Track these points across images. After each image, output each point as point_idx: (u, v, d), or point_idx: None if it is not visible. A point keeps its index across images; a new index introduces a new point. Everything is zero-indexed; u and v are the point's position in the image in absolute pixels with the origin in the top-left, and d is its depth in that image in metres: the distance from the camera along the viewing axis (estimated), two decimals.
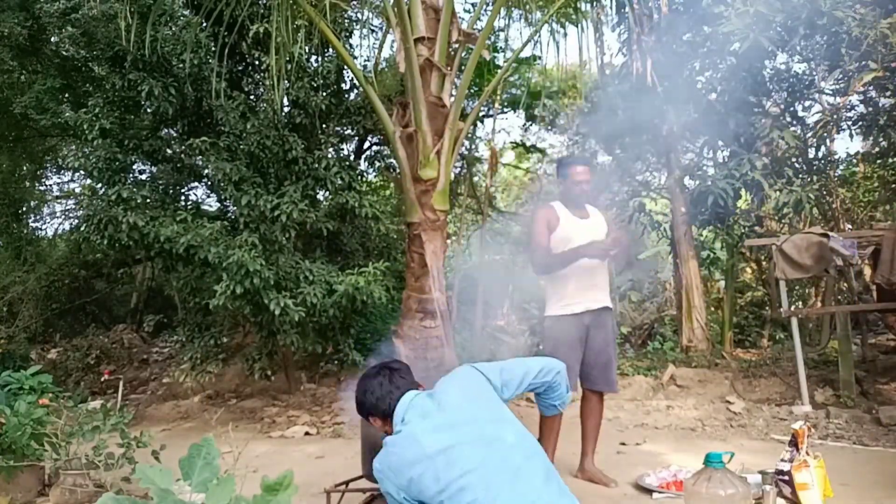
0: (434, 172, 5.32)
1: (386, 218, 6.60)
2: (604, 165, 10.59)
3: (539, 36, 6.87)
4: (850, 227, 8.20)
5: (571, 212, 3.90)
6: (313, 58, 6.86)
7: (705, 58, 7.84)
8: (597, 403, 3.98)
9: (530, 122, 11.67)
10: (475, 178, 11.01)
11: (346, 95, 7.14)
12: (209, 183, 6.93)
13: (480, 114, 9.64)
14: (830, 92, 7.84)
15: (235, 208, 6.22)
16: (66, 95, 8.41)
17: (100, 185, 6.47)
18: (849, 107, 7.57)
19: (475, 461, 2.01)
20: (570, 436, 4.08)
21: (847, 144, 42.52)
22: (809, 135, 7.57)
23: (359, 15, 7.39)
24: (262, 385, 7.23)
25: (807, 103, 8.14)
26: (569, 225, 3.86)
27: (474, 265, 11.28)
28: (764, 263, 8.54)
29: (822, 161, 8.08)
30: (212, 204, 7.69)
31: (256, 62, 7.13)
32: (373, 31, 8.14)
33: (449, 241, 6.56)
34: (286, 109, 6.70)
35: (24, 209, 11.04)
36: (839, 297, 7.28)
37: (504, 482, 1.98)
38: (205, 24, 6.42)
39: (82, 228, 6.26)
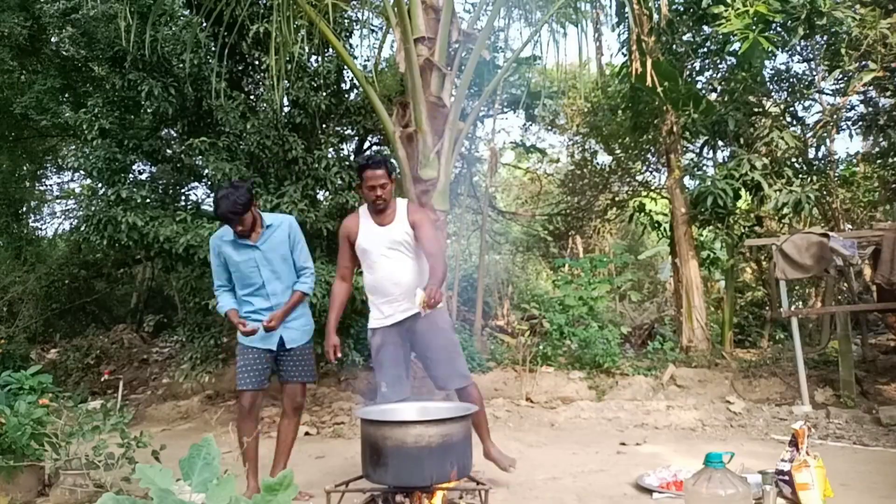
0: (434, 172, 5.32)
1: None
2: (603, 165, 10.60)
3: (539, 36, 6.88)
4: (850, 227, 8.21)
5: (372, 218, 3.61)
6: (313, 58, 6.86)
7: (705, 58, 7.85)
8: (463, 398, 3.63)
9: (530, 122, 11.67)
10: (475, 178, 11.01)
11: (346, 95, 7.14)
12: (209, 183, 6.93)
13: (480, 114, 9.64)
14: (830, 92, 7.85)
15: None
16: (66, 95, 8.41)
17: (100, 185, 6.47)
18: (849, 107, 7.57)
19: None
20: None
21: (847, 144, 42.61)
22: (809, 135, 7.57)
23: (359, 15, 7.40)
24: None
25: (807, 103, 8.15)
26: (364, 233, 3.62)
27: (474, 265, 11.28)
28: (764, 263, 8.54)
29: (822, 161, 8.08)
30: (211, 204, 7.69)
31: (256, 62, 7.13)
32: (373, 31, 8.14)
33: (449, 241, 6.58)
34: (286, 109, 6.70)
35: (24, 209, 11.06)
36: (839, 297, 7.28)
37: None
38: (205, 24, 6.42)
39: (82, 228, 6.26)
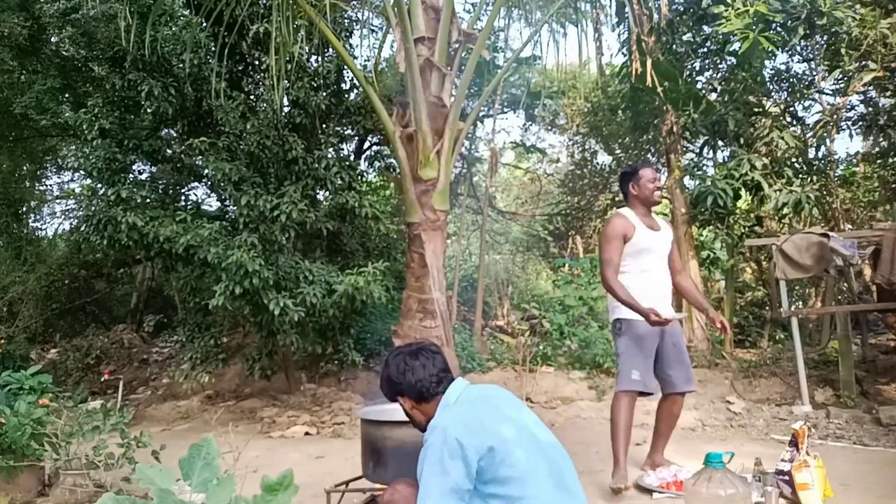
0: (434, 172, 5.32)
1: (386, 218, 6.60)
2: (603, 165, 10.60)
3: (539, 36, 6.89)
4: (850, 227, 8.20)
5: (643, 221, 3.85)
6: (313, 58, 6.86)
7: (705, 58, 7.85)
8: (678, 403, 3.98)
9: (530, 122, 11.67)
10: (475, 178, 11.01)
11: (346, 95, 7.14)
12: (209, 183, 6.92)
13: (480, 114, 9.64)
14: (830, 92, 7.85)
15: (235, 208, 6.21)
16: (66, 95, 8.41)
17: (100, 185, 6.47)
18: (849, 107, 7.57)
19: (527, 458, 2.04)
20: None
21: (847, 144, 42.61)
22: (809, 135, 7.57)
23: (359, 15, 7.40)
24: (261, 385, 7.23)
25: (807, 103, 8.15)
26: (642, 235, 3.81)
27: (474, 265, 11.28)
28: (764, 263, 8.54)
29: (822, 161, 8.08)
30: (212, 204, 7.70)
31: (256, 62, 7.13)
32: (373, 31, 8.15)
33: (449, 241, 6.58)
34: (286, 109, 6.70)
35: (24, 209, 11.05)
36: (839, 297, 7.27)
37: (550, 481, 2.06)
38: (205, 24, 6.42)
39: (82, 228, 6.26)
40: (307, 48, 6.49)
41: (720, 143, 7.92)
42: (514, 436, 2.06)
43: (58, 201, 12.13)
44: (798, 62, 8.15)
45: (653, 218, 3.91)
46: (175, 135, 7.36)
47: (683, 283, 4.05)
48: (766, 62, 7.37)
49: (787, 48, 7.31)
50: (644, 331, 3.69)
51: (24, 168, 10.90)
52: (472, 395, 2.26)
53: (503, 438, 2.02)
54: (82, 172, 7.97)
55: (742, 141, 7.41)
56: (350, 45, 7.42)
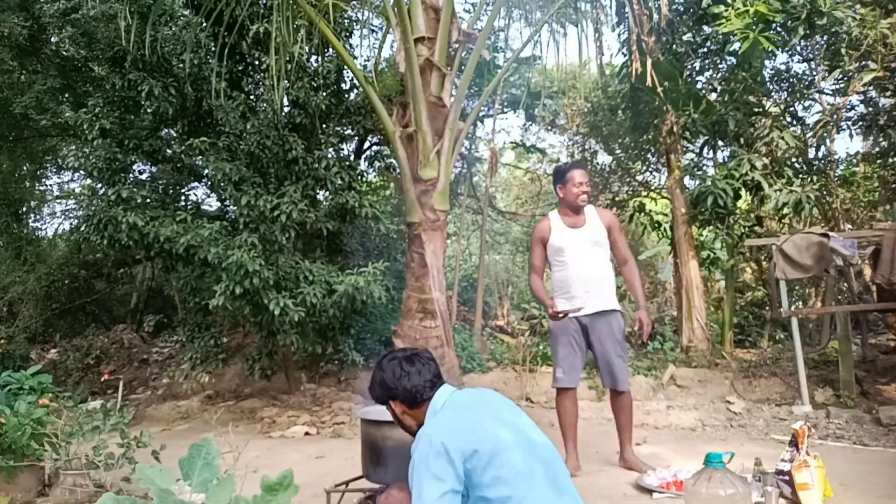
0: (434, 172, 5.32)
1: (386, 218, 6.60)
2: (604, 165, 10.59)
3: (539, 36, 6.89)
4: (850, 227, 8.20)
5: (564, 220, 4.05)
6: (313, 58, 6.86)
7: (705, 58, 7.85)
8: (623, 399, 4.08)
9: (530, 122, 11.67)
10: (475, 178, 11.01)
11: (346, 95, 7.14)
12: (209, 183, 6.93)
13: (480, 114, 9.64)
14: (830, 92, 7.85)
15: (235, 208, 6.21)
16: (66, 95, 8.41)
17: (100, 185, 6.47)
18: (849, 107, 7.56)
19: (523, 460, 2.03)
20: None
21: (847, 144, 42.60)
22: (809, 135, 7.56)
23: (359, 15, 7.40)
24: (262, 385, 7.23)
25: (807, 103, 8.14)
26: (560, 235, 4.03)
27: (474, 265, 11.28)
28: (764, 263, 8.54)
29: (822, 161, 8.08)
30: (212, 204, 7.69)
31: (256, 62, 7.13)
32: (373, 31, 8.15)
33: (449, 241, 6.58)
34: (286, 109, 6.70)
35: (24, 209, 11.05)
36: (839, 297, 7.27)
37: (547, 483, 2.06)
38: (205, 24, 6.42)
39: (82, 228, 6.26)
40: (307, 48, 6.49)
41: (720, 143, 7.92)
42: (510, 438, 2.05)
43: (58, 201, 12.13)
44: (798, 62, 8.15)
45: (581, 215, 4.04)
46: (175, 135, 7.36)
47: (625, 275, 4.25)
48: (766, 62, 7.37)
49: (787, 48, 7.31)
50: (554, 326, 3.97)
51: (24, 168, 10.89)
52: (461, 400, 2.25)
53: (498, 441, 2.02)
54: (82, 172, 7.98)
55: (742, 141, 7.41)
56: (350, 45, 7.42)
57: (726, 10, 6.17)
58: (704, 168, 8.38)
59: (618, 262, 4.19)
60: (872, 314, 8.23)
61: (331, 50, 6.57)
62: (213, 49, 6.50)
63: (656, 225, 8.53)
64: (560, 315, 3.79)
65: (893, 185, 8.27)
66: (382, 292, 5.81)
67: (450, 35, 5.47)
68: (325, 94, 6.65)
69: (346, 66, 6.60)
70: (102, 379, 8.47)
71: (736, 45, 6.30)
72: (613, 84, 9.43)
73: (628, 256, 4.22)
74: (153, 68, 6.43)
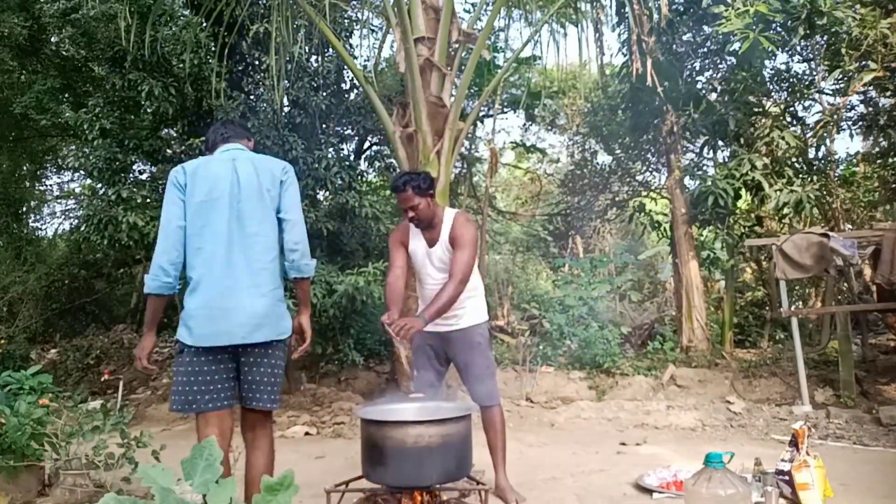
0: (434, 172, 5.33)
1: (386, 218, 6.60)
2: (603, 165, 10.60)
3: (539, 36, 6.90)
4: (850, 227, 8.20)
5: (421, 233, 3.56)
6: (313, 58, 6.86)
7: (705, 58, 7.86)
8: (485, 416, 3.60)
9: (530, 122, 11.67)
10: (475, 178, 11.01)
11: (346, 95, 7.14)
12: None
13: (480, 114, 9.64)
14: (830, 92, 7.85)
15: None
16: (66, 95, 8.42)
17: (100, 185, 6.48)
18: (849, 107, 7.57)
19: (222, 226, 2.57)
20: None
21: (847, 144, 42.61)
22: (809, 135, 7.57)
23: (359, 15, 7.40)
24: None
25: (807, 103, 8.15)
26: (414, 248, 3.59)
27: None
28: (764, 263, 8.54)
29: (822, 161, 8.08)
30: None
31: (256, 62, 7.13)
32: (373, 31, 8.16)
33: None
34: (286, 109, 6.70)
35: (24, 209, 11.06)
36: (839, 297, 7.28)
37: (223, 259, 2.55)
38: (205, 24, 6.42)
39: (82, 228, 6.27)
40: (307, 48, 6.49)
41: (720, 143, 7.92)
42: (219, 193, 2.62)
43: (58, 201, 12.15)
44: (798, 62, 8.16)
45: (433, 231, 3.54)
46: (175, 135, 7.36)
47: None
48: (766, 62, 7.37)
49: (787, 48, 7.31)
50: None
51: (24, 168, 10.91)
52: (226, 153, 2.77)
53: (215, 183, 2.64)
54: (82, 172, 7.99)
55: (742, 141, 7.41)
56: (350, 45, 7.43)
57: (726, 10, 6.17)
58: (704, 168, 8.39)
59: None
60: (872, 314, 8.23)
61: (331, 50, 6.57)
62: (213, 49, 6.51)
63: (656, 225, 8.53)
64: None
65: (893, 185, 8.28)
66: (382, 292, 5.80)
67: (450, 35, 5.48)
68: (325, 94, 6.65)
69: (346, 66, 6.60)
70: (102, 379, 8.46)
71: (736, 45, 6.31)
72: (613, 84, 9.43)
73: (455, 273, 3.41)
74: (153, 68, 6.43)
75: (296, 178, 2.80)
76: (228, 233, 2.61)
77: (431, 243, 3.53)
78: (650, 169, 10.19)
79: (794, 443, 3.38)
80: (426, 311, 3.35)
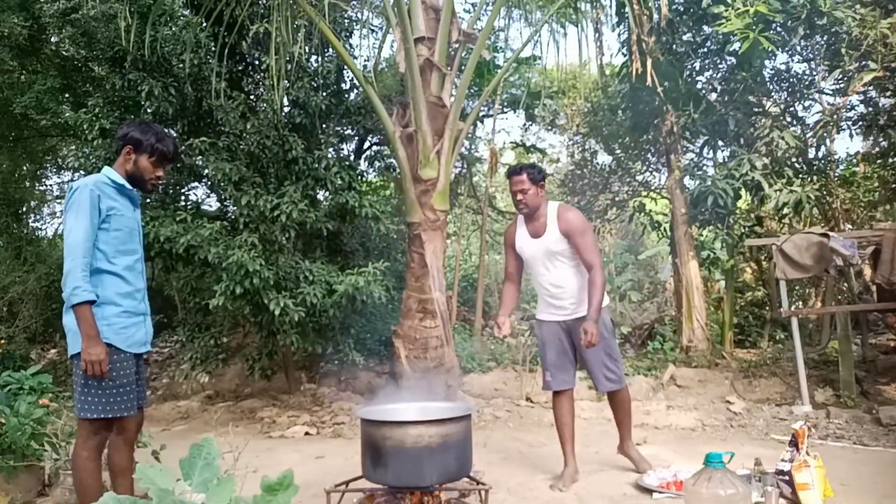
0: (434, 172, 5.33)
1: (386, 218, 6.60)
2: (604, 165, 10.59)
3: (539, 36, 6.91)
4: (850, 227, 8.20)
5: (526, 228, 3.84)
6: (313, 58, 6.86)
7: (705, 58, 7.85)
8: (618, 398, 3.98)
9: (530, 122, 11.67)
10: (475, 178, 11.01)
11: (346, 95, 7.14)
12: (209, 183, 6.92)
13: (480, 114, 9.64)
14: (830, 92, 7.85)
15: (235, 208, 6.21)
16: (66, 95, 8.41)
17: None
18: (849, 107, 7.57)
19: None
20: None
21: (847, 144, 42.61)
22: (809, 135, 7.57)
23: (359, 15, 7.40)
24: (262, 385, 7.23)
25: (807, 103, 8.14)
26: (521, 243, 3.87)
27: (474, 265, 11.27)
28: (764, 263, 8.54)
29: (822, 161, 8.08)
30: (212, 204, 7.68)
31: (256, 62, 7.12)
32: (373, 31, 8.16)
33: (449, 241, 6.58)
34: (286, 109, 6.70)
35: (24, 209, 11.05)
36: (839, 297, 7.27)
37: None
38: (205, 24, 6.42)
39: None
40: (307, 48, 6.49)
41: (720, 143, 7.92)
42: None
43: (58, 201, 12.13)
44: (798, 62, 8.15)
45: (537, 223, 3.77)
46: (175, 135, 7.35)
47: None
48: (766, 62, 7.37)
49: (787, 48, 7.31)
50: (538, 332, 3.96)
51: (24, 168, 10.89)
52: None
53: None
54: (82, 172, 7.96)
55: (742, 141, 7.41)
56: (350, 45, 7.42)
57: (726, 10, 6.17)
58: (704, 168, 8.38)
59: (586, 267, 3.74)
60: (872, 314, 8.23)
61: (331, 50, 6.57)
62: (213, 49, 6.50)
63: (656, 225, 8.53)
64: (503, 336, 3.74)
65: (893, 185, 8.28)
66: (382, 292, 5.80)
67: (450, 35, 5.48)
68: (325, 94, 6.65)
69: (346, 66, 6.60)
70: None
71: (736, 45, 6.31)
72: (613, 84, 9.43)
73: (591, 260, 3.68)
74: (153, 68, 6.42)
75: (75, 200, 2.72)
76: None
77: (536, 235, 3.77)
78: (650, 169, 10.19)
79: (794, 443, 3.38)
80: (590, 310, 3.55)
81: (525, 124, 11.94)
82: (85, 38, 7.36)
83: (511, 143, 12.38)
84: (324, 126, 6.84)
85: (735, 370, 6.81)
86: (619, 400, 3.96)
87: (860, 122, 7.55)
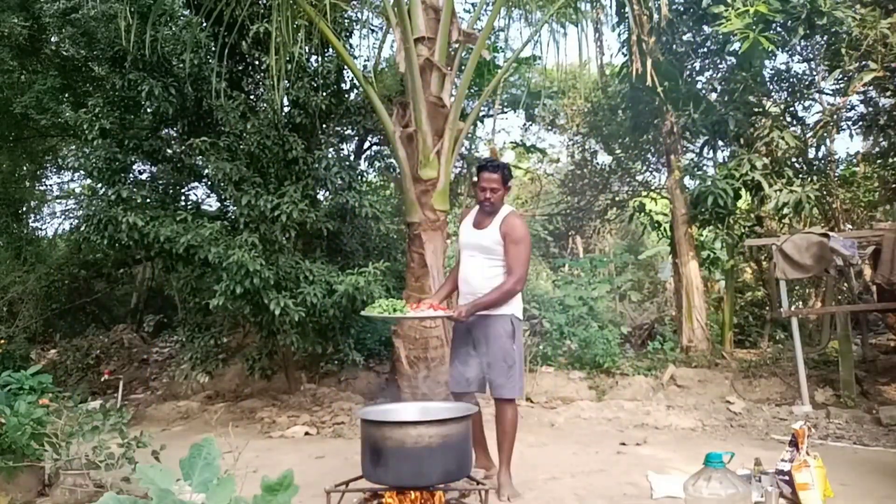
0: (434, 172, 5.32)
1: (386, 218, 6.60)
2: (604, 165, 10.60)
3: (539, 36, 6.90)
4: (850, 227, 8.20)
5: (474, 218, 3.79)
6: (313, 58, 6.86)
7: (705, 58, 7.86)
8: (498, 410, 3.70)
9: (530, 122, 11.67)
10: (475, 178, 10.99)
11: (346, 95, 7.13)
12: (209, 183, 6.92)
13: (480, 114, 9.64)
14: (830, 92, 7.86)
15: (235, 208, 6.21)
16: (66, 95, 8.40)
17: (100, 185, 6.47)
18: (849, 107, 7.57)
19: None
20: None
21: (847, 144, 42.53)
22: (809, 135, 7.57)
23: (359, 15, 7.40)
24: (262, 385, 7.22)
25: (807, 103, 8.15)
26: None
27: None
28: (764, 263, 8.54)
29: (822, 161, 8.08)
30: (212, 204, 7.68)
31: (256, 62, 7.12)
32: (373, 31, 8.15)
33: (449, 241, 6.57)
34: (286, 109, 6.69)
35: (24, 209, 11.05)
36: (839, 297, 7.27)
37: None
38: (205, 24, 6.41)
39: (82, 228, 6.26)
40: (307, 48, 6.49)
41: (720, 143, 7.92)
42: None
43: (58, 201, 12.13)
44: (798, 62, 8.16)
45: (486, 218, 3.70)
46: (175, 135, 7.35)
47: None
48: (766, 62, 7.37)
49: (787, 48, 7.31)
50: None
51: (24, 168, 10.89)
52: None
53: None
54: (82, 172, 7.98)
55: (742, 141, 7.41)
56: (350, 45, 7.42)
57: (726, 10, 6.17)
58: (704, 168, 8.39)
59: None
60: (872, 314, 8.23)
61: (331, 50, 6.57)
62: (213, 49, 6.50)
63: (656, 225, 8.53)
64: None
65: (893, 185, 8.28)
66: (382, 292, 5.80)
67: (450, 35, 5.47)
68: (325, 94, 6.64)
69: (346, 66, 6.59)
70: (102, 379, 8.46)
71: (736, 45, 6.31)
72: (613, 84, 9.43)
73: (515, 269, 3.60)
74: (153, 68, 6.42)
75: None
76: None
77: (478, 227, 3.72)
78: (650, 169, 10.19)
79: (794, 443, 3.38)
80: (477, 299, 3.51)
81: (525, 124, 11.95)
82: (85, 37, 7.37)
83: (511, 143, 12.38)
84: (324, 126, 6.84)
85: (735, 370, 6.81)
86: (503, 413, 3.65)
87: (860, 122, 7.56)
